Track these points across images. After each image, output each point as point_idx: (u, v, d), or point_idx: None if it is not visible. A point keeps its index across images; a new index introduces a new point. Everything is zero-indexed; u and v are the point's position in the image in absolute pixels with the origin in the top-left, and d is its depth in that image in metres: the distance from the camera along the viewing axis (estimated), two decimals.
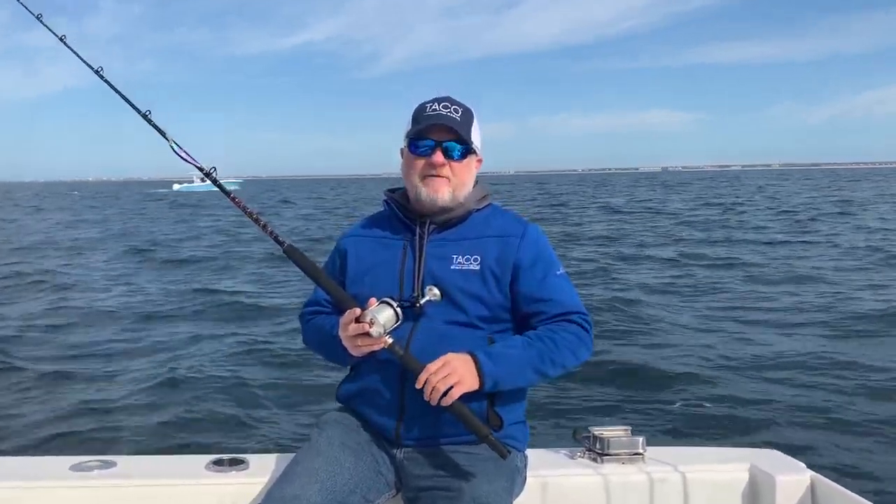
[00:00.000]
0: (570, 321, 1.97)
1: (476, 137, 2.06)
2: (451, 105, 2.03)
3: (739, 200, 40.62)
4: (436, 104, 2.04)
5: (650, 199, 45.57)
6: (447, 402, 1.77)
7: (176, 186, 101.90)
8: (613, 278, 12.98)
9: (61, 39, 2.34)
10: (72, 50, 2.32)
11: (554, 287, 1.99)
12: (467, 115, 2.04)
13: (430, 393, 1.77)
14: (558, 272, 2.03)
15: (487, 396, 1.93)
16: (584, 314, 1.99)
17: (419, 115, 2.05)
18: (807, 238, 19.62)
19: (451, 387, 1.77)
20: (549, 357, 1.91)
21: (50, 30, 2.34)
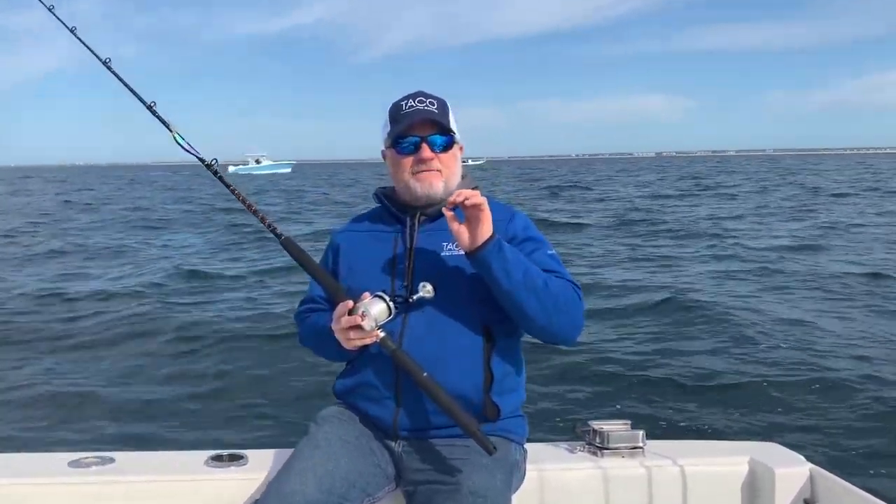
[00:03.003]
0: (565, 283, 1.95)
1: (455, 125, 2.07)
2: (426, 98, 2.05)
3: None
4: (411, 100, 2.05)
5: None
6: (480, 205, 1.83)
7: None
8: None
9: (72, 31, 2.35)
10: (82, 42, 2.31)
11: (544, 262, 1.97)
12: (443, 106, 2.06)
13: (467, 197, 1.83)
14: (549, 251, 2.02)
15: (484, 384, 1.92)
16: (577, 286, 1.97)
17: (396, 114, 2.06)
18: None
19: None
20: (544, 282, 1.88)
21: (61, 21, 2.35)
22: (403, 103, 2.05)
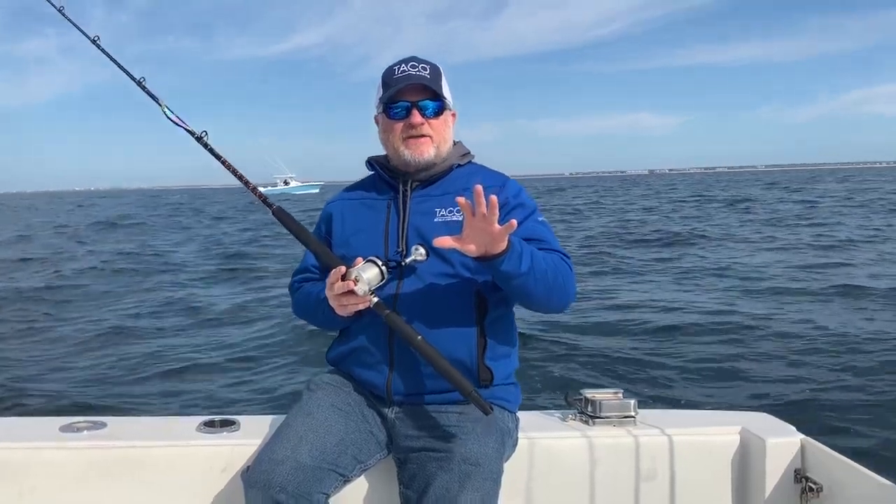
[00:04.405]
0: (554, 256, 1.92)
1: (447, 92, 2.05)
2: (419, 63, 2.02)
3: None
4: (403, 65, 2.02)
5: None
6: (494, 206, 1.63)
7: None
8: None
9: (60, 10, 2.36)
10: (70, 21, 2.33)
11: (534, 230, 1.96)
12: (436, 72, 2.03)
13: (488, 204, 1.62)
14: (539, 218, 2.01)
15: (478, 349, 1.92)
16: (567, 256, 1.96)
17: (388, 78, 2.03)
18: None
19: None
20: (543, 270, 1.82)
21: (52, 4, 2.37)
22: (396, 68, 2.03)
